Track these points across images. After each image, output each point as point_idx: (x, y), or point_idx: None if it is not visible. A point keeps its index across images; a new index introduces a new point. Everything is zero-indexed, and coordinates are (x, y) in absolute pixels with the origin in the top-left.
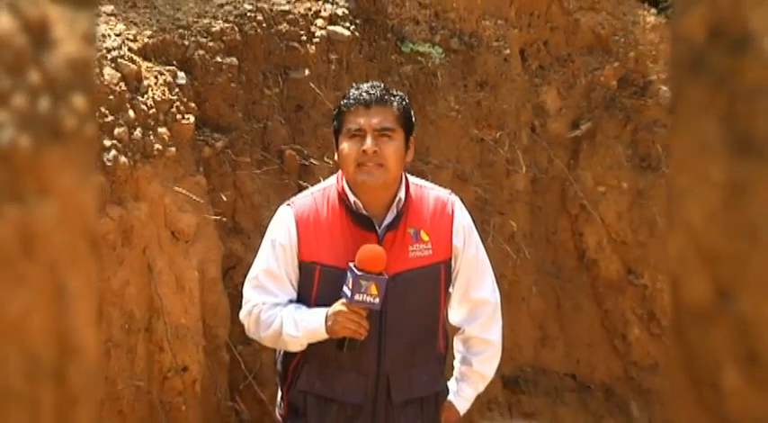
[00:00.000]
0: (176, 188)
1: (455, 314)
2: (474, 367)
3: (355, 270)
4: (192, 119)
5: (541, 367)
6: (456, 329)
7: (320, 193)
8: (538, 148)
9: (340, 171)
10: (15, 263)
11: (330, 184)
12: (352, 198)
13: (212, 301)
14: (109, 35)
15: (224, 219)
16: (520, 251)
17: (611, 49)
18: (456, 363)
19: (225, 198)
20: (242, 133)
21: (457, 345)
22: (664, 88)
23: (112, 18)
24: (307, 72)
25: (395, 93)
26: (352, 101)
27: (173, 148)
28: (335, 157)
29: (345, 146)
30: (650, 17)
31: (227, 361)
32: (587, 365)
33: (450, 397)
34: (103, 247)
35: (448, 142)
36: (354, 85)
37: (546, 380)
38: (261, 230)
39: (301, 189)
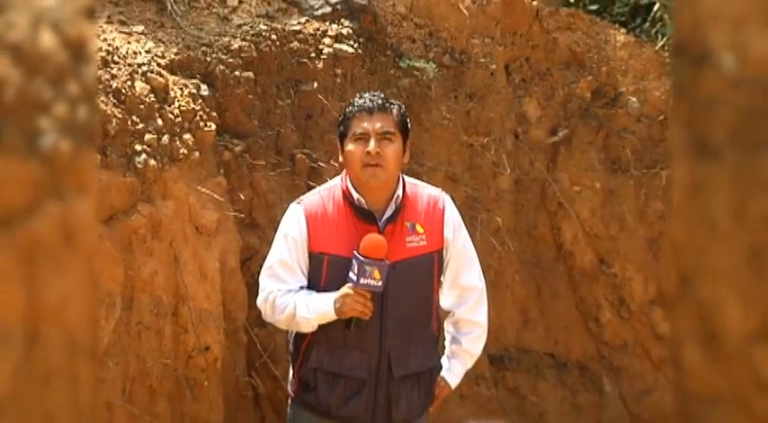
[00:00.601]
0: (200, 188)
1: (446, 299)
2: (463, 346)
3: (360, 257)
4: (213, 126)
5: (523, 347)
6: (447, 314)
7: (327, 192)
8: (520, 152)
9: (344, 172)
10: (57, 254)
11: (335, 184)
12: (355, 195)
13: (231, 288)
14: (140, 52)
15: (242, 215)
16: (504, 244)
17: (586, 64)
18: (447, 342)
19: (243, 197)
20: (258, 139)
21: (448, 326)
22: (632, 99)
23: (143, 37)
24: (315, 85)
25: (393, 102)
26: (356, 108)
27: (196, 153)
28: (341, 158)
29: (351, 147)
30: (620, 36)
31: (245, 341)
32: (564, 345)
33: (443, 373)
34: (135, 241)
35: (440, 147)
36: (358, 95)
37: (527, 358)
38: (274, 225)
39: (310, 189)
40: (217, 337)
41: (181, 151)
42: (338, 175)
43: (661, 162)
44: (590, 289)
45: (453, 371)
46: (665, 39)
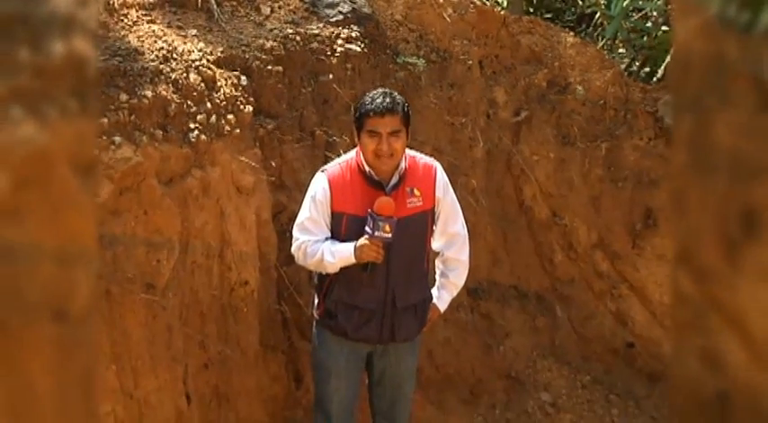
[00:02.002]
0: (240, 157)
1: (436, 243)
2: (450, 279)
3: (375, 215)
4: (250, 109)
5: (493, 281)
6: (437, 254)
7: (345, 163)
8: (491, 129)
9: (358, 147)
10: (198, 199)
11: (351, 157)
12: (367, 169)
13: (265, 235)
14: (193, 50)
15: (273, 178)
16: (478, 201)
17: (543, 60)
18: (437, 276)
19: (273, 164)
20: (285, 119)
21: (438, 264)
22: (579, 88)
23: (195, 38)
24: (330, 76)
25: (399, 100)
26: (370, 109)
27: (237, 130)
28: (355, 139)
29: (366, 141)
30: (569, 38)
31: (275, 277)
32: (525, 280)
33: (434, 300)
34: (189, 198)
35: (428, 126)
36: (370, 97)
37: (496, 290)
38: (299, 187)
39: (327, 158)
40: (253, 274)
41: (225, 128)
42: (348, 147)
43: (600, 137)
44: (545, 236)
45: (442, 299)
46: (603, 40)
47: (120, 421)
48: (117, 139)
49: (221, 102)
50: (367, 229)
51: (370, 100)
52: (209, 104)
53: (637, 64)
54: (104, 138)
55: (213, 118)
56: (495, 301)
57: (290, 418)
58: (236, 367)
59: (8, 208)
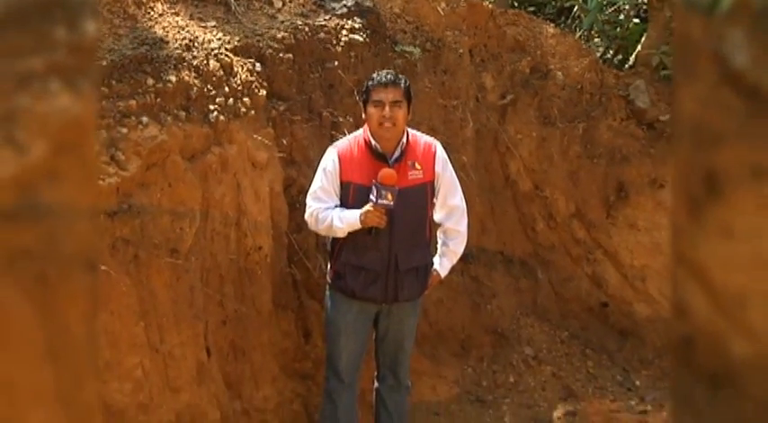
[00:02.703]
0: (255, 136)
1: (438, 215)
2: (450, 247)
3: (378, 184)
4: (264, 93)
5: (482, 247)
6: (438, 226)
7: (353, 139)
8: (480, 111)
9: (365, 126)
10: (217, 173)
11: (359, 134)
12: (373, 143)
13: (277, 206)
14: (212, 40)
15: (284, 155)
16: (468, 176)
17: (526, 49)
18: (438, 246)
19: (285, 142)
20: (295, 102)
21: (439, 234)
22: (559, 73)
23: (214, 29)
24: (336, 63)
25: (401, 77)
26: (375, 82)
27: (252, 111)
28: (363, 116)
29: (371, 111)
30: (550, 29)
31: (286, 243)
32: (510, 246)
33: (436, 266)
34: (209, 172)
35: (424, 108)
36: (376, 72)
37: (485, 255)
38: (308, 162)
39: (332, 137)
40: (266, 240)
41: (242, 110)
42: (351, 127)
43: (578, 118)
44: (528, 207)
45: (443, 265)
46: (581, 31)
47: (147, 372)
48: (144, 119)
49: (238, 86)
50: (371, 196)
51: (375, 75)
52: (227, 88)
53: (610, 52)
54: (133, 118)
55: (231, 100)
56: (483, 265)
57: (299, 370)
58: (251, 324)
59: (48, 171)
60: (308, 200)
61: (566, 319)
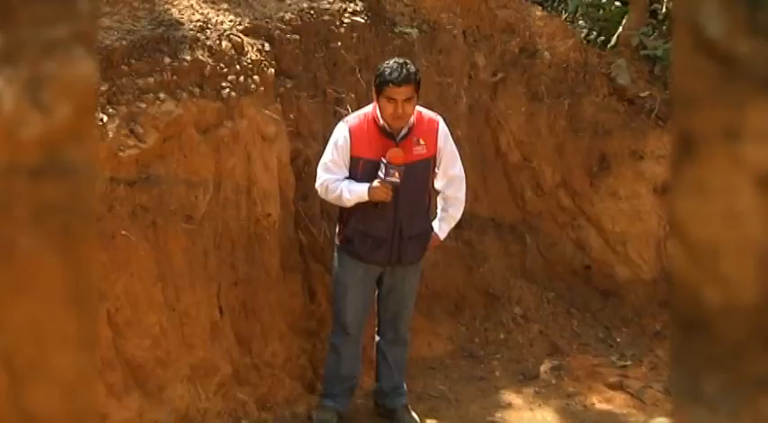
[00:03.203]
0: (264, 111)
1: (438, 183)
2: (449, 213)
3: (386, 163)
4: (272, 71)
5: (474, 214)
6: (437, 193)
7: (363, 116)
8: (473, 88)
9: (374, 103)
10: (229, 145)
11: (368, 111)
12: (381, 122)
13: (284, 176)
14: (225, 21)
15: (291, 128)
16: (462, 148)
17: (516, 30)
18: (438, 211)
19: (292, 117)
20: (302, 79)
21: (439, 201)
22: (546, 53)
23: (226, 11)
24: (339, 43)
25: (412, 71)
26: (390, 80)
27: (261, 88)
28: (374, 99)
29: (384, 105)
30: (538, 12)
31: (293, 210)
32: (501, 213)
33: (436, 230)
34: (221, 145)
35: (421, 85)
36: (389, 65)
37: (477, 221)
38: (313, 135)
39: (336, 111)
40: (275, 208)
41: (251, 86)
42: (353, 102)
43: (563, 94)
44: (517, 177)
45: (442, 229)
46: (566, 14)
47: (164, 330)
48: (161, 95)
49: (248, 64)
50: (380, 173)
51: (389, 71)
52: (238, 67)
53: (594, 33)
54: (151, 94)
55: (241, 78)
56: (476, 231)
57: (305, 328)
58: (261, 285)
59: (71, 132)
60: (319, 171)
61: (552, 281)
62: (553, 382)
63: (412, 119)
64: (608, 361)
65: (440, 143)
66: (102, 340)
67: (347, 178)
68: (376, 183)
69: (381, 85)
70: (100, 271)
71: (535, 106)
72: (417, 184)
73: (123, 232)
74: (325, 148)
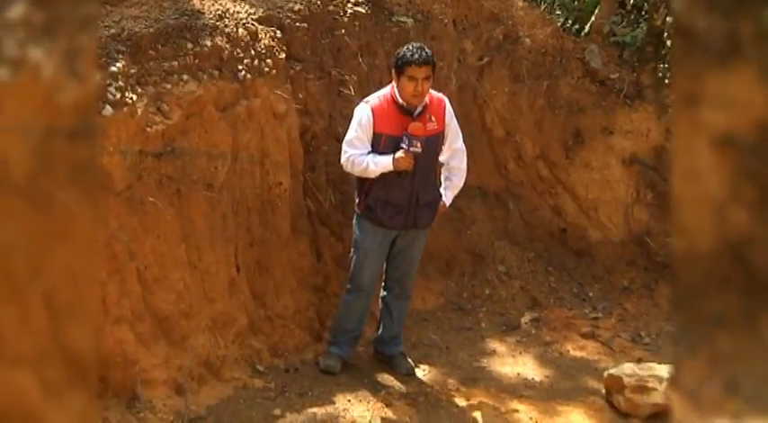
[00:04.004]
0: (276, 91)
1: (443, 156)
2: (453, 182)
3: (409, 135)
4: (283, 55)
5: (465, 183)
6: (441, 165)
7: (383, 97)
8: (462, 70)
9: (392, 84)
10: (245, 122)
11: (386, 92)
12: (400, 101)
13: (294, 149)
14: (241, 11)
15: (300, 107)
16: None
17: (500, 19)
18: (443, 181)
19: (300, 96)
20: (309, 63)
21: (444, 172)
22: (527, 40)
23: (242, 2)
24: (343, 31)
25: (430, 54)
26: (412, 61)
27: (274, 71)
28: (393, 78)
29: (406, 83)
30: (520, 3)
31: (302, 180)
32: (487, 182)
33: (443, 198)
34: (238, 121)
35: None
36: (409, 48)
37: (465, 190)
38: (320, 113)
39: (340, 93)
40: (286, 177)
41: (265, 69)
42: (355, 84)
43: (542, 76)
44: (501, 150)
45: (447, 196)
46: (545, 4)
47: (188, 286)
48: (185, 77)
49: (262, 50)
50: (403, 145)
51: (410, 53)
52: (252, 52)
53: (569, 22)
54: (175, 76)
55: (256, 61)
56: (464, 198)
57: (312, 284)
58: (273, 246)
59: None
60: (345, 146)
61: (532, 242)
62: (532, 332)
63: (426, 99)
64: (581, 313)
65: (447, 119)
66: (132, 295)
67: (370, 152)
68: (400, 153)
69: (403, 66)
70: (130, 234)
71: (517, 87)
72: (430, 156)
73: (151, 199)
74: (348, 126)
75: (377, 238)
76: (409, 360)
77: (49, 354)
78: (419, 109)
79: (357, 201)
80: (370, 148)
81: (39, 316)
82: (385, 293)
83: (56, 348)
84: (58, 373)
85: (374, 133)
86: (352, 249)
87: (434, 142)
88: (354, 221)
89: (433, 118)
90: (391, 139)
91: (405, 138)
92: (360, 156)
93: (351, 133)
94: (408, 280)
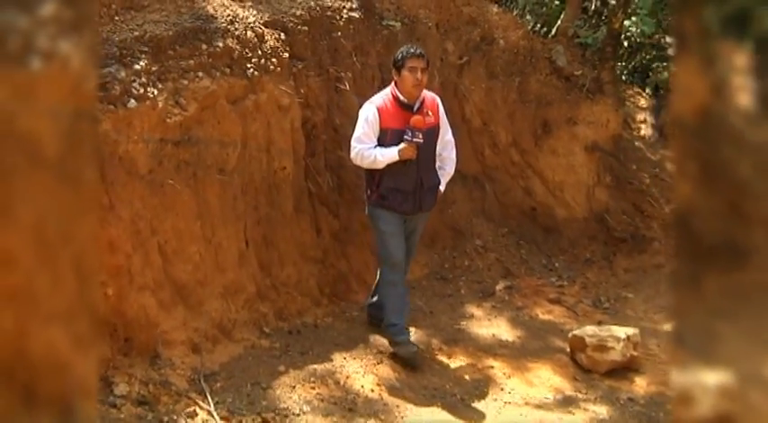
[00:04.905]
0: (280, 86)
1: (438, 147)
2: (446, 170)
3: (411, 128)
4: (287, 55)
5: None
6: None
7: (385, 96)
8: (444, 68)
9: (393, 83)
10: (253, 114)
11: (387, 92)
12: (401, 97)
13: (297, 137)
14: (249, 16)
15: (301, 100)
16: None
17: (478, 23)
18: (437, 170)
19: (302, 91)
20: (310, 62)
21: (437, 161)
22: (501, 41)
23: (251, 8)
24: (339, 34)
25: (423, 51)
26: (411, 54)
27: (278, 68)
28: (395, 75)
29: (406, 75)
30: (495, 8)
31: (303, 165)
32: (465, 167)
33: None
34: (247, 113)
35: None
36: (405, 47)
37: None
38: (319, 105)
39: (336, 88)
40: (289, 162)
41: (270, 67)
42: (350, 80)
43: (514, 74)
44: (479, 138)
45: (442, 183)
46: (517, 10)
47: (203, 257)
48: (200, 74)
49: (267, 50)
50: (406, 137)
51: (407, 49)
52: (259, 51)
53: (538, 26)
54: (192, 73)
55: (263, 61)
56: (450, 181)
57: (313, 256)
58: (278, 223)
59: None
60: (353, 143)
61: (505, 220)
62: (506, 298)
63: (422, 95)
64: (549, 282)
65: (441, 114)
66: (154, 266)
67: (377, 146)
68: (404, 144)
69: (403, 60)
70: (152, 212)
71: (492, 83)
72: (430, 146)
73: (170, 182)
74: (355, 124)
75: (394, 219)
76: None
77: (77, 311)
78: (417, 104)
79: (368, 192)
80: (376, 143)
81: (68, 278)
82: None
83: (83, 307)
84: (84, 328)
85: (381, 129)
86: (377, 238)
87: (432, 134)
88: (368, 213)
89: (429, 113)
90: (395, 132)
91: (408, 130)
92: (368, 149)
93: (359, 130)
94: (411, 257)
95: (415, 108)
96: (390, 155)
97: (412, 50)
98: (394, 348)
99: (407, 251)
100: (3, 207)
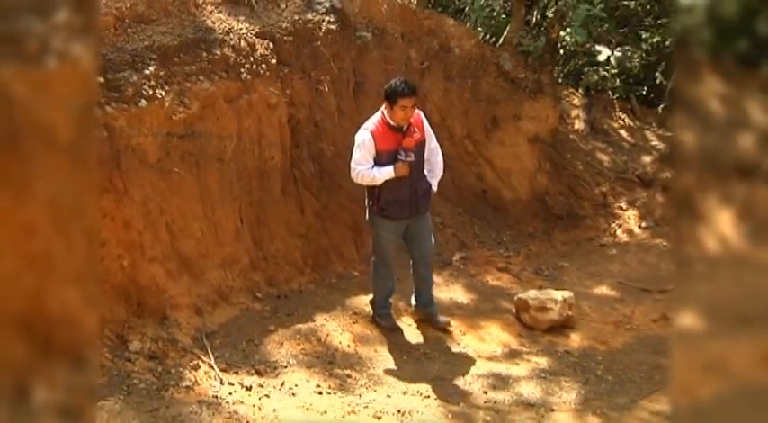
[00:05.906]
0: (269, 88)
1: (426, 154)
2: (435, 173)
3: (404, 149)
4: (275, 61)
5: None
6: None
7: (377, 122)
8: (408, 72)
9: (383, 108)
10: (247, 111)
11: (378, 117)
12: (392, 123)
13: (283, 132)
14: (242, 28)
15: (287, 100)
16: None
17: (436, 34)
18: (427, 173)
19: (288, 92)
20: (294, 67)
21: (426, 166)
22: (456, 49)
23: (244, 21)
24: (319, 43)
25: (414, 87)
26: (403, 94)
27: (268, 73)
28: (385, 106)
29: (398, 111)
30: (451, 21)
31: (290, 155)
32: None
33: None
34: (241, 111)
35: (373, 71)
36: (398, 82)
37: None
38: (303, 104)
39: (317, 90)
40: (278, 153)
41: (261, 72)
42: (329, 83)
43: (468, 77)
44: (438, 132)
45: (434, 184)
46: (470, 23)
47: (204, 233)
48: (201, 78)
49: (258, 57)
50: (399, 157)
51: (401, 88)
52: (251, 58)
53: (488, 36)
54: (194, 77)
55: (254, 66)
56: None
57: (297, 232)
58: (269, 204)
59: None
60: (353, 165)
61: (460, 200)
62: (461, 267)
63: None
64: (498, 253)
65: (425, 128)
66: (162, 241)
67: (374, 166)
68: (398, 164)
69: (396, 98)
70: (160, 195)
71: (449, 85)
72: (420, 159)
73: (176, 170)
74: (351, 147)
75: (391, 227)
76: (440, 317)
77: (86, 274)
78: (405, 126)
79: (370, 204)
80: (372, 164)
81: (80, 246)
82: (413, 271)
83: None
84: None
85: (377, 151)
86: (376, 241)
87: (421, 148)
88: (369, 220)
89: (416, 130)
90: (389, 152)
91: (401, 151)
92: (366, 170)
93: (356, 154)
94: (429, 256)
95: (404, 129)
96: (386, 173)
97: (406, 91)
98: (377, 320)
99: (423, 246)
100: (24, 185)
